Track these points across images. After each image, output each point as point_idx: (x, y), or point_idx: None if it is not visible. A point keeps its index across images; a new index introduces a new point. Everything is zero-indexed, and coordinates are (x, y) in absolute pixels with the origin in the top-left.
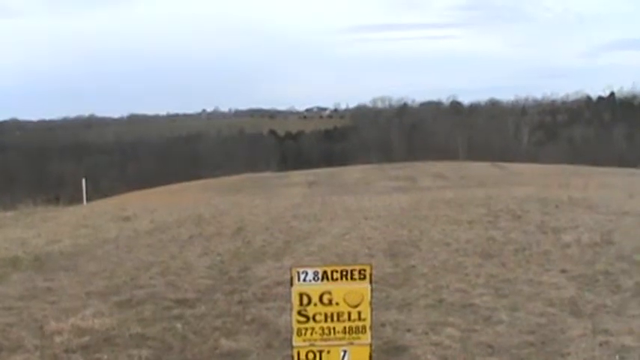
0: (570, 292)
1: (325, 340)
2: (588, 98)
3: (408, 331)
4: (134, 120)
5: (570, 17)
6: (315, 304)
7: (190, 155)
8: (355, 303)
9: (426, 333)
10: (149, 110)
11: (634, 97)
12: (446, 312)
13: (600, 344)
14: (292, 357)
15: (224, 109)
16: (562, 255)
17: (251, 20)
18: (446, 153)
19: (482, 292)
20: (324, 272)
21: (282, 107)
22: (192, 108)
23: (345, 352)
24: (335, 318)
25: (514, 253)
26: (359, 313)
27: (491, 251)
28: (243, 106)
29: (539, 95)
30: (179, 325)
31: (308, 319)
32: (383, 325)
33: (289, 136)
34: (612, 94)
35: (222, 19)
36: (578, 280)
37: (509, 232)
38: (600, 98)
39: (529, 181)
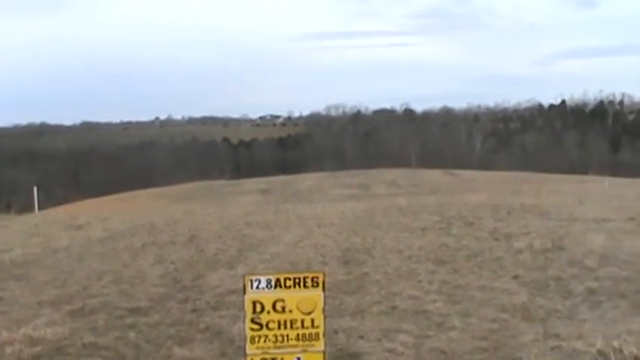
0: (522, 298)
1: (279, 347)
2: (540, 106)
3: (362, 337)
4: (87, 127)
5: (524, 26)
6: (269, 312)
7: (143, 163)
8: (308, 310)
9: (380, 340)
10: (102, 118)
11: (585, 104)
12: (399, 318)
13: (552, 349)
14: None
15: (177, 116)
16: (514, 261)
17: (204, 28)
18: (399, 160)
19: (435, 299)
20: (277, 280)
21: (235, 115)
22: (145, 116)
23: (298, 359)
24: (288, 325)
25: (467, 260)
26: (312, 320)
27: (443, 258)
28: (196, 114)
29: (491, 103)
30: (132, 334)
31: (261, 326)
32: (336, 332)
33: (243, 143)
34: (564, 102)
35: (176, 27)
36: (530, 285)
37: (462, 239)
38: (552, 106)
39: (481, 188)
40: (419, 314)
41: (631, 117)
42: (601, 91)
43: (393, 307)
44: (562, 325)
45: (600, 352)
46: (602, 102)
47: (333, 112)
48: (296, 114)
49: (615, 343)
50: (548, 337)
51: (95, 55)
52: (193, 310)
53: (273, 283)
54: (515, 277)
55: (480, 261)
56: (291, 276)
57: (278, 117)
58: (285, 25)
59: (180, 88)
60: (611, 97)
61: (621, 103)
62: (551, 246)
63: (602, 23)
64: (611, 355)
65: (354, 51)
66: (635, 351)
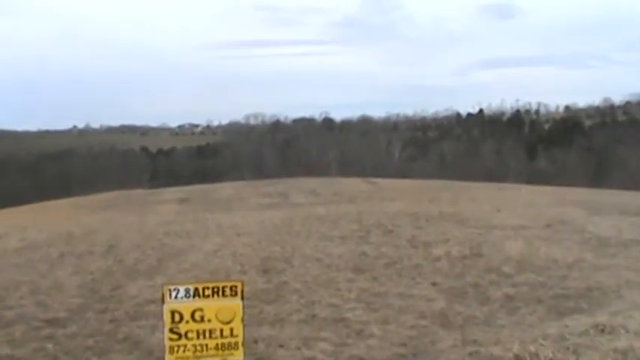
0: (440, 305)
1: (198, 357)
2: (458, 115)
3: (281, 346)
4: (2, 136)
5: (443, 36)
6: (187, 322)
7: (61, 172)
8: (227, 319)
9: (299, 348)
10: (18, 126)
11: (502, 113)
12: (318, 327)
13: (470, 354)
14: None
15: (95, 125)
16: (432, 268)
17: (123, 36)
18: (318, 169)
19: (354, 307)
20: (196, 289)
21: (154, 123)
22: (62, 124)
23: None
24: (207, 335)
25: (385, 268)
26: (231, 329)
27: (362, 266)
28: (114, 123)
29: (410, 112)
30: (50, 346)
31: (180, 336)
32: (255, 341)
33: (161, 152)
34: (481, 111)
35: (94, 35)
36: (448, 292)
37: (381, 247)
38: (470, 115)
39: (400, 197)
40: (338, 322)
41: (547, 126)
42: (518, 101)
43: (313, 316)
44: (480, 331)
45: (517, 357)
46: (518, 111)
47: (252, 121)
48: (215, 123)
49: (532, 348)
50: (466, 343)
51: (11, 63)
52: (112, 321)
53: (191, 293)
54: (434, 284)
55: (399, 268)
56: (210, 285)
57: (197, 126)
58: (204, 34)
59: (98, 97)
60: (527, 107)
61: (537, 112)
62: (469, 253)
63: (520, 34)
64: (528, 359)
65: (274, 60)
66: (551, 355)
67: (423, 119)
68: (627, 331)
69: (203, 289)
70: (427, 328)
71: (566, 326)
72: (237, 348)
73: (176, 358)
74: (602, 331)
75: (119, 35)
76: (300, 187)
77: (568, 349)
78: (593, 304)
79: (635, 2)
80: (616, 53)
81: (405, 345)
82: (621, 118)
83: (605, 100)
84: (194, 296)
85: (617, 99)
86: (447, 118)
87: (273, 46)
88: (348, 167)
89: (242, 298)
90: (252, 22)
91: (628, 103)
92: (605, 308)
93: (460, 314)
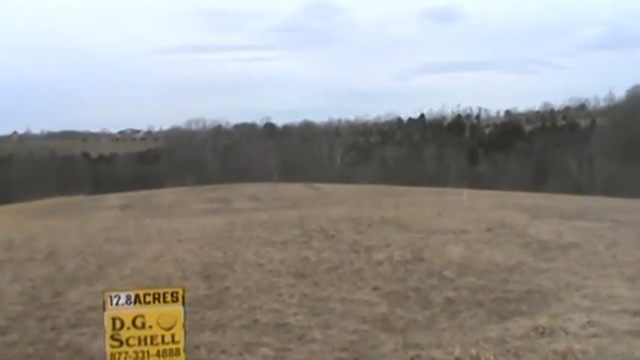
0: (382, 309)
1: None
2: (399, 120)
3: (223, 352)
4: None
5: (384, 41)
6: (129, 328)
7: (1, 178)
8: (168, 326)
9: (241, 354)
10: None
11: (443, 118)
12: (260, 332)
13: (411, 358)
14: None
15: (36, 130)
16: (374, 273)
17: (63, 40)
18: (260, 174)
19: (295, 312)
20: (137, 296)
21: (94, 129)
22: (2, 129)
23: None
24: (148, 341)
25: (327, 272)
26: (172, 335)
27: (304, 271)
28: (55, 128)
29: (352, 117)
30: None
31: (121, 343)
32: (197, 347)
33: (102, 158)
34: (422, 115)
35: (34, 39)
36: (389, 296)
37: (323, 252)
38: (411, 120)
39: (342, 202)
40: (280, 327)
41: (487, 130)
42: (459, 105)
43: (254, 321)
44: (421, 335)
45: None
46: (459, 116)
47: (194, 127)
48: (156, 128)
49: (473, 351)
50: (407, 347)
51: None
52: (52, 328)
53: (132, 299)
54: (375, 289)
55: (341, 273)
56: (151, 292)
57: (138, 131)
58: (144, 39)
59: (38, 102)
60: (468, 111)
61: (478, 116)
62: (410, 257)
63: (462, 39)
64: None
65: (215, 65)
66: (492, 358)
67: (365, 124)
68: (567, 334)
69: (144, 295)
70: (369, 332)
71: (507, 329)
72: (179, 354)
73: None
74: (543, 333)
75: (59, 40)
76: (241, 193)
77: (509, 351)
78: (533, 306)
79: (575, 8)
80: (556, 58)
81: (347, 349)
82: (561, 122)
83: (545, 104)
84: (135, 303)
85: (557, 104)
86: (389, 123)
87: (215, 51)
88: (290, 172)
89: (183, 304)
90: (193, 27)
91: (567, 108)
92: (545, 311)
93: (402, 318)
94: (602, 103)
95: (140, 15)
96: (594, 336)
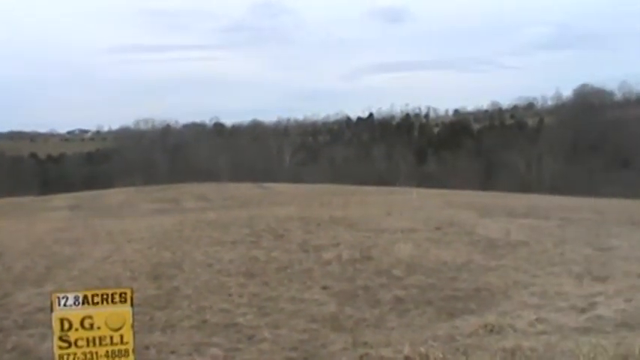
0: (331, 308)
1: None
2: (348, 119)
3: (172, 352)
4: None
5: (333, 41)
6: (77, 329)
7: None
8: (117, 326)
9: (190, 354)
10: None
11: (392, 117)
12: (210, 332)
13: (361, 357)
14: None
15: None
16: (323, 272)
17: (10, 41)
18: (209, 174)
19: (245, 312)
20: (85, 297)
21: (42, 129)
22: None
23: None
24: (97, 342)
25: (276, 272)
26: (121, 336)
27: (254, 271)
28: (2, 129)
29: (301, 117)
30: None
31: (70, 344)
32: (147, 347)
33: (51, 159)
34: (371, 115)
35: None
36: (339, 295)
37: (272, 252)
38: (360, 119)
39: (291, 201)
40: (229, 327)
41: (436, 130)
42: (407, 105)
43: (204, 321)
44: (370, 334)
45: (407, 359)
46: (408, 115)
47: (143, 126)
48: (105, 128)
49: (422, 349)
50: (357, 346)
51: None
52: (0, 330)
53: (80, 300)
54: (325, 288)
55: (290, 273)
56: (99, 292)
57: (87, 131)
58: (93, 39)
59: None
60: (417, 111)
61: (427, 116)
62: (359, 256)
63: (410, 38)
64: None
65: (163, 65)
66: (441, 355)
67: (314, 124)
68: (515, 331)
69: (92, 296)
70: (318, 331)
71: (456, 327)
72: (128, 355)
73: None
74: (491, 331)
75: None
76: (190, 193)
77: (458, 349)
78: (482, 304)
79: (523, 7)
80: (504, 57)
81: (297, 349)
82: (509, 121)
83: (494, 104)
84: (83, 304)
85: (505, 103)
86: (338, 122)
87: (164, 50)
88: (239, 172)
89: (132, 304)
90: (142, 27)
91: (515, 107)
92: (494, 309)
93: (351, 317)
94: (549, 102)
95: (89, 15)
96: (542, 333)
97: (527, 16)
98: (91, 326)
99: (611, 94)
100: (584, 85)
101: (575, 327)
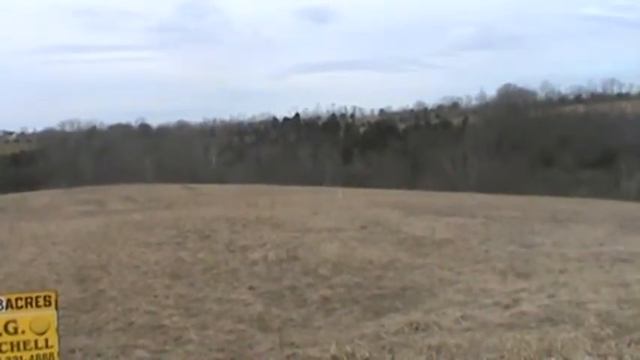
0: (258, 308)
1: None
2: (275, 119)
3: (99, 355)
4: None
5: (259, 41)
6: (1, 334)
7: None
8: (42, 330)
9: (117, 357)
10: None
11: (318, 118)
12: (136, 334)
13: (288, 357)
14: None
15: None
16: (250, 272)
17: None
18: (135, 176)
19: (171, 313)
20: (9, 300)
21: None
22: None
23: None
24: (22, 347)
25: (203, 273)
26: (46, 340)
27: (180, 272)
28: None
29: (227, 117)
30: None
31: None
32: (72, 350)
33: None
34: (297, 115)
35: None
36: (265, 296)
37: (198, 252)
38: (286, 119)
39: (218, 202)
40: (156, 329)
41: (362, 129)
42: (333, 105)
43: (130, 323)
44: (297, 334)
45: (334, 358)
46: (334, 115)
47: (68, 128)
48: (29, 130)
49: (348, 348)
50: (284, 346)
51: None
52: None
53: (4, 304)
54: (251, 288)
55: (216, 274)
56: (23, 296)
57: (11, 133)
58: (16, 38)
59: None
60: (343, 111)
61: (353, 116)
62: (285, 256)
63: (336, 38)
64: (345, 359)
65: (89, 65)
66: (367, 354)
67: (240, 124)
68: (441, 328)
69: (16, 299)
70: (245, 332)
71: (382, 325)
72: (53, 359)
73: None
74: (417, 328)
75: None
76: (116, 194)
77: (384, 348)
78: (407, 302)
79: (447, 8)
80: (430, 57)
81: (224, 350)
82: (434, 121)
83: (419, 103)
84: (7, 308)
85: (430, 102)
86: (264, 122)
87: (90, 51)
88: (165, 173)
89: (56, 308)
90: (67, 27)
91: (440, 106)
92: (420, 306)
93: (278, 317)
94: (474, 102)
95: (11, 13)
96: (468, 330)
97: (453, 16)
98: (16, 330)
99: (534, 93)
100: (507, 85)
101: (499, 323)
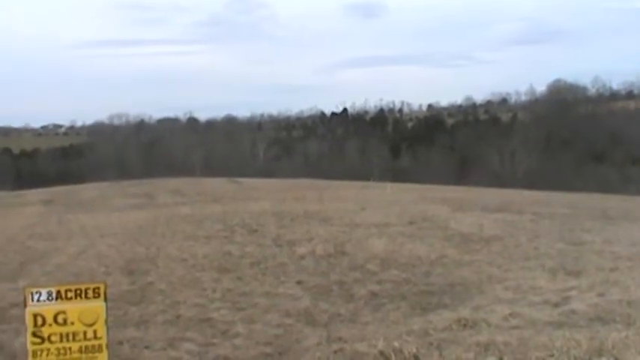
0: (305, 303)
1: None
2: (322, 114)
3: (147, 347)
4: None
5: (307, 35)
6: (50, 325)
7: None
8: (90, 322)
9: (165, 349)
10: None
11: (366, 112)
12: (184, 327)
13: (335, 352)
14: None
15: None
16: (297, 267)
17: None
18: (183, 169)
19: (219, 307)
20: (58, 292)
21: (16, 124)
22: None
23: None
24: (70, 338)
25: (250, 267)
26: (95, 331)
27: (227, 266)
28: None
29: (274, 111)
30: None
31: (43, 340)
32: (120, 342)
33: (24, 153)
34: (345, 110)
35: None
36: (313, 290)
37: (246, 246)
38: (334, 114)
39: (265, 196)
40: (203, 322)
41: (410, 124)
42: (381, 100)
43: (178, 316)
44: (345, 328)
45: (382, 353)
46: (382, 110)
47: (117, 121)
48: (79, 123)
49: (396, 344)
50: (331, 341)
51: None
52: None
53: (54, 296)
54: (299, 283)
55: (264, 268)
56: (72, 287)
57: (60, 126)
58: (68, 33)
59: None
60: (391, 105)
61: (401, 111)
62: (333, 251)
63: (385, 33)
64: (392, 355)
65: (138, 59)
66: (414, 350)
67: (288, 119)
68: (489, 325)
69: (65, 291)
70: (292, 326)
71: (430, 322)
72: (102, 350)
73: None
74: (465, 325)
75: None
76: (164, 187)
77: (431, 344)
78: (455, 299)
79: (497, 2)
80: (478, 53)
81: (271, 344)
82: (483, 116)
83: (467, 98)
84: (56, 299)
85: (479, 98)
86: (312, 117)
87: (138, 45)
88: (213, 167)
89: (105, 299)
90: (117, 21)
91: (489, 102)
92: (468, 303)
93: (325, 312)
94: (523, 98)
95: (64, 9)
96: (516, 327)
97: (502, 11)
98: (65, 321)
99: (584, 89)
100: (557, 81)
101: (548, 321)
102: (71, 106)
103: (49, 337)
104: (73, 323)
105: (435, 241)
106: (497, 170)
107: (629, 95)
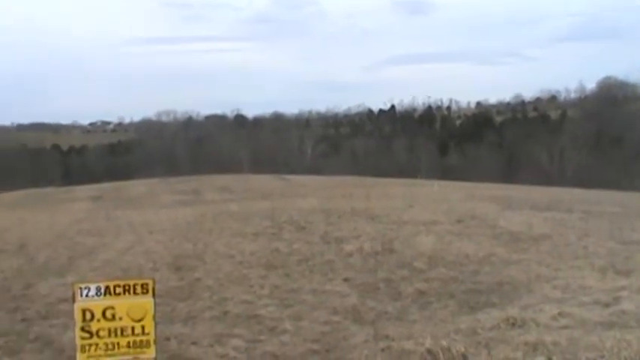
0: (353, 300)
1: (110, 355)
2: (370, 111)
3: (194, 343)
4: None
5: (355, 32)
6: (99, 320)
7: None
8: (139, 317)
9: (212, 345)
10: None
11: (414, 110)
12: (231, 323)
13: (382, 350)
14: None
15: (6, 122)
16: (345, 264)
17: (33, 32)
18: (231, 166)
19: (267, 303)
20: (107, 287)
21: (65, 121)
22: None
23: None
24: (119, 333)
25: (298, 264)
26: (143, 327)
27: (275, 262)
28: (25, 120)
29: (322, 108)
30: None
31: (92, 335)
32: (168, 338)
33: (73, 150)
34: (393, 107)
35: (3, 32)
36: (360, 288)
37: (293, 243)
38: (381, 111)
39: (313, 193)
40: (251, 319)
41: (458, 122)
42: (429, 97)
43: (225, 313)
44: (392, 326)
45: (429, 352)
46: (430, 107)
47: (164, 118)
48: (127, 120)
49: (444, 342)
50: (378, 338)
51: None
52: (23, 320)
53: (102, 291)
54: (346, 280)
55: (312, 265)
56: (121, 283)
57: (109, 123)
58: (114, 30)
59: (8, 94)
60: (439, 103)
61: (449, 108)
62: (381, 249)
63: (432, 30)
64: (440, 354)
65: (185, 56)
66: (462, 349)
67: (335, 116)
68: (538, 325)
69: (114, 287)
70: (340, 323)
71: (478, 320)
72: (149, 346)
73: (88, 356)
74: (513, 324)
75: (30, 33)
76: (212, 184)
77: (480, 343)
78: (504, 298)
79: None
80: (527, 50)
81: (318, 341)
82: (531, 114)
83: (516, 96)
84: (105, 294)
85: (528, 95)
86: (359, 114)
87: (185, 42)
88: (261, 164)
89: (154, 295)
90: (163, 19)
91: (538, 99)
92: (516, 302)
93: (372, 310)
94: (572, 95)
95: (111, 7)
96: (565, 327)
97: (550, 7)
98: (113, 317)
99: (634, 86)
100: (607, 78)
101: (598, 321)
102: (119, 103)
103: (97, 332)
104: (121, 319)
105: (483, 240)
106: (546, 168)
107: None
